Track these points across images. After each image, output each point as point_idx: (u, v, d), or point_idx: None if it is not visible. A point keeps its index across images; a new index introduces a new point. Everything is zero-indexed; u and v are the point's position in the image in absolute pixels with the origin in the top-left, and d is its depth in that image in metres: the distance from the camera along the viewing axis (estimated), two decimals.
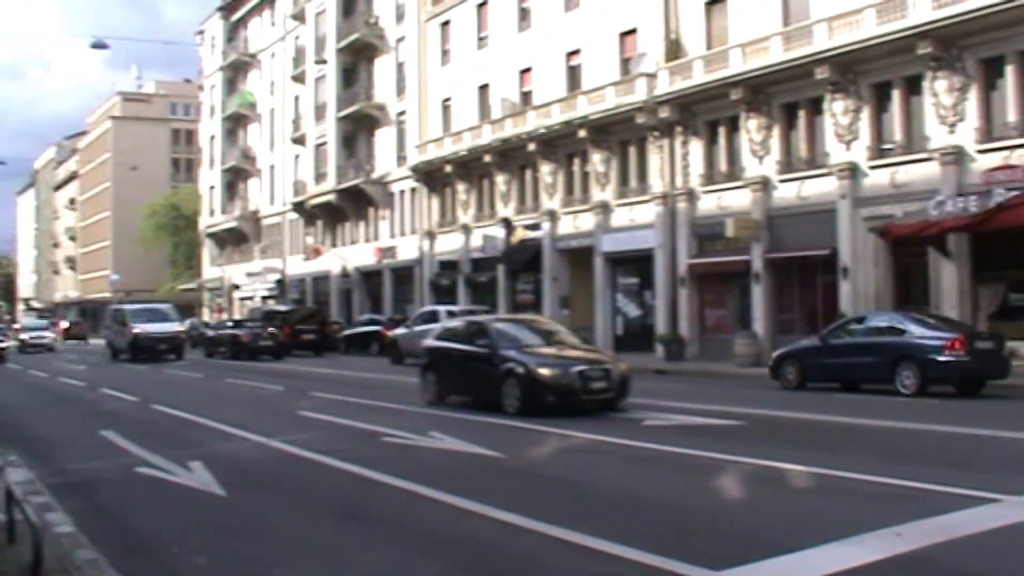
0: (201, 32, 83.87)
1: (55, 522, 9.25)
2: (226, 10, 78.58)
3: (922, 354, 19.85)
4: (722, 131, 34.36)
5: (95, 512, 10.34)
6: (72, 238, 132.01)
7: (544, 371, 17.21)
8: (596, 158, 38.84)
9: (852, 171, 29.34)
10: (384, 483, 11.30)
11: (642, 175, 37.14)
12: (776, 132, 32.18)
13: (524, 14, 44.50)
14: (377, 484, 11.35)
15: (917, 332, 20.44)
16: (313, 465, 13.01)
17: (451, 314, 36.93)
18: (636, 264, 37.56)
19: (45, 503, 10.24)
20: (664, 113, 35.09)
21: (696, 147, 34.92)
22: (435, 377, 20.25)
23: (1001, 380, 20.41)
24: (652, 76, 35.64)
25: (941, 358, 19.63)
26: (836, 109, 30.09)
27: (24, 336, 63.41)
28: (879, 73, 28.98)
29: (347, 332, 48.47)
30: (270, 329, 44.90)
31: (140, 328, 43.91)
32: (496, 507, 9.51)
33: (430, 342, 21.65)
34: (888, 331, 21.03)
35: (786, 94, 31.88)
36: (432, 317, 37.34)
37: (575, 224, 40.16)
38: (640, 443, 13.81)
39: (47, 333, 66.28)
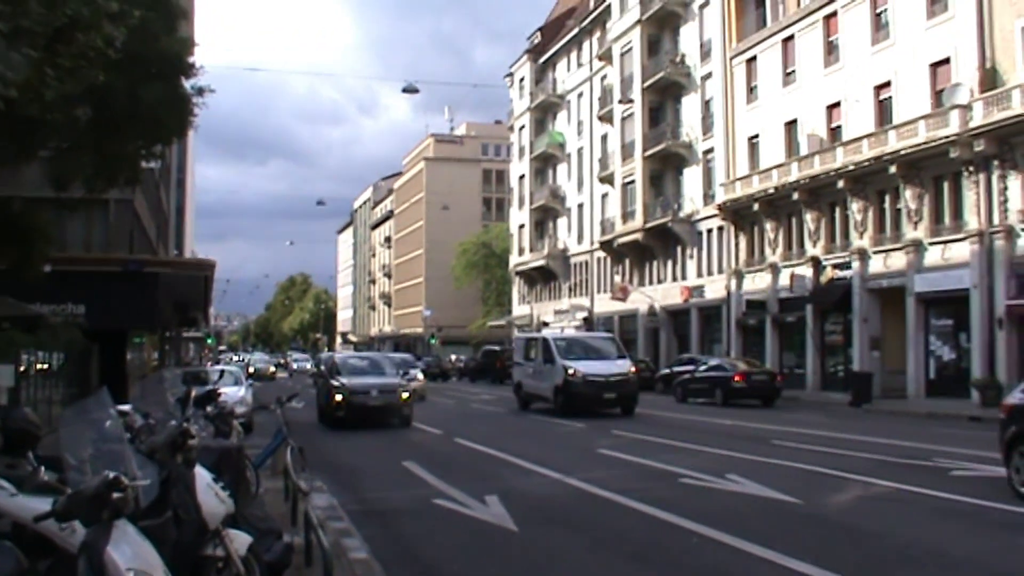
0: (511, 74, 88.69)
1: (351, 547, 10.18)
2: (534, 52, 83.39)
3: None
4: None
5: (390, 540, 11.18)
6: (387, 275, 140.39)
7: None
8: (908, 194, 39.14)
9: None
10: (676, 525, 11.63)
11: (957, 212, 37.31)
12: None
13: (831, 48, 45.47)
14: (669, 526, 11.69)
15: None
16: (607, 504, 13.52)
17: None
18: (950, 305, 37.62)
19: (344, 528, 11.27)
20: (980, 146, 35.04)
21: (1015, 181, 34.70)
22: None
23: None
24: (966, 108, 35.75)
25: None
26: None
27: None
28: None
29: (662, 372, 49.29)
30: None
31: (576, 367, 32.37)
32: (787, 555, 9.69)
33: (1019, 398, 14.39)
34: None
35: None
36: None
37: (886, 263, 40.58)
38: (945, 494, 13.75)
39: (416, 373, 44.60)
